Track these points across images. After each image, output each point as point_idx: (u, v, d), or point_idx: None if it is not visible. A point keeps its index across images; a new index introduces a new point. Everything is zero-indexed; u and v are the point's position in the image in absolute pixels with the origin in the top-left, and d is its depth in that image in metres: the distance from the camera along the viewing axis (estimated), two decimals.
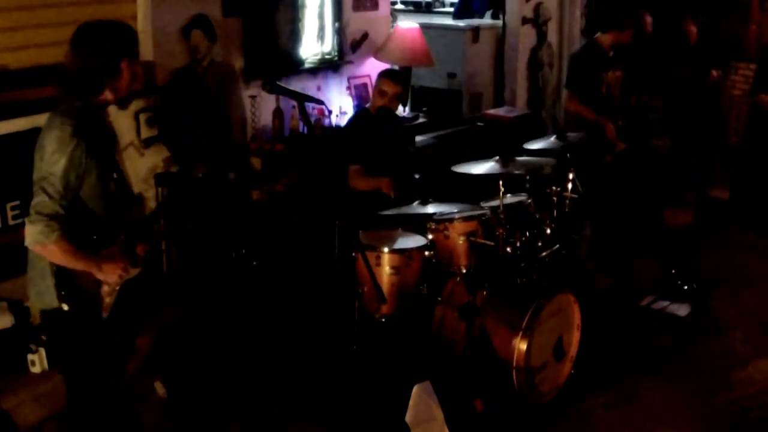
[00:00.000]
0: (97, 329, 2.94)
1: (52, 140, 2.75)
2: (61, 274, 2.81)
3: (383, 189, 4.58)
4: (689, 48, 6.38)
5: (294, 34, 5.63)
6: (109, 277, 2.90)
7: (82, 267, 2.82)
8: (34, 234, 2.72)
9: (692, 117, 6.37)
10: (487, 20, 7.93)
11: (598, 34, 5.82)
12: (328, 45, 6.13)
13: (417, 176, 5.17)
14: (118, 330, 3.06)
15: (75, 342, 2.97)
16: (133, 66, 2.90)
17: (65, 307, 2.82)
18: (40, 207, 2.72)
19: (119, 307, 3.00)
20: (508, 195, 4.17)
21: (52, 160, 2.73)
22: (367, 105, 4.94)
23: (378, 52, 6.33)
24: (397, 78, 4.81)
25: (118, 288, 2.98)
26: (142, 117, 4.80)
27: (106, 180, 2.91)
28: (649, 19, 6.49)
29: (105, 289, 2.94)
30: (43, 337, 4.04)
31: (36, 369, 4.01)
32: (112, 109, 4.48)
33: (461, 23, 7.60)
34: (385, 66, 6.21)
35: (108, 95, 2.88)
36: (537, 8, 7.83)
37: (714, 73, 6.50)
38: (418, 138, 6.46)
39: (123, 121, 4.66)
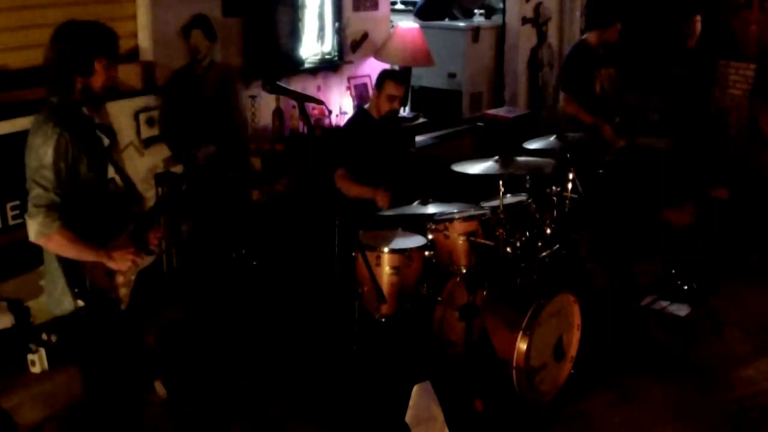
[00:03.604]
0: (117, 323, 2.96)
1: (38, 136, 2.81)
2: (70, 272, 2.82)
3: (377, 202, 4.52)
4: (687, 47, 6.33)
5: (294, 34, 5.63)
6: (122, 264, 2.91)
7: (90, 257, 2.83)
8: (35, 227, 2.75)
9: (691, 117, 6.38)
10: (487, 20, 7.94)
11: (586, 34, 5.87)
12: (328, 45, 6.13)
13: (416, 177, 5.18)
14: (135, 323, 3.07)
15: (96, 340, 2.99)
16: (109, 68, 2.91)
17: (81, 303, 2.83)
18: (37, 199, 2.76)
19: (136, 298, 3.01)
20: (508, 195, 4.17)
21: (40, 153, 2.78)
22: (366, 106, 4.92)
23: (378, 52, 6.34)
24: (401, 79, 4.81)
25: (133, 278, 2.98)
26: (142, 117, 4.80)
27: (99, 172, 2.92)
28: (698, 20, 6.35)
29: (120, 279, 2.94)
30: (44, 337, 4.05)
31: (36, 369, 4.01)
32: (112, 109, 4.51)
33: (461, 23, 7.61)
34: (384, 66, 6.22)
35: (80, 93, 2.89)
36: (537, 8, 7.84)
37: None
38: (418, 138, 6.47)
39: (123, 121, 4.66)
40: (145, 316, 3.29)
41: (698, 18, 6.27)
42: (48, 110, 2.86)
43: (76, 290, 2.83)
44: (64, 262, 2.84)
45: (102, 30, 2.94)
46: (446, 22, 7.67)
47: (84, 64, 2.85)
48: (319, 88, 6.00)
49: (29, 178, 2.80)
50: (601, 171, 5.35)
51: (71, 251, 2.81)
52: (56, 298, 2.91)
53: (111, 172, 3.14)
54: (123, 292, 2.97)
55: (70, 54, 2.83)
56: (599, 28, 5.75)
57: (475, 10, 8.03)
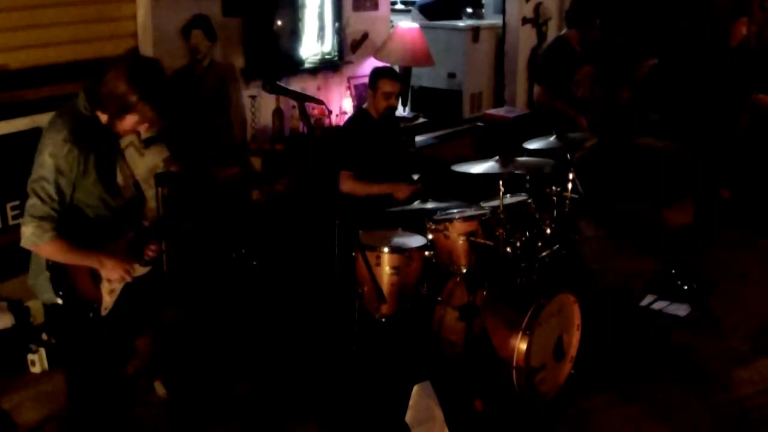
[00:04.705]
0: (97, 326, 2.96)
1: (48, 143, 2.80)
2: (54, 269, 2.83)
3: (397, 195, 4.55)
4: (729, 50, 6.27)
5: (294, 34, 5.63)
6: (112, 274, 2.91)
7: (82, 263, 2.84)
8: (26, 235, 2.77)
9: (690, 117, 6.36)
10: (487, 20, 7.95)
11: (565, 30, 5.88)
12: (328, 45, 6.13)
13: (416, 176, 5.18)
14: (119, 328, 3.07)
15: (75, 337, 2.99)
16: (138, 122, 2.92)
17: (59, 301, 2.84)
18: (33, 209, 2.76)
19: (122, 306, 3.01)
20: (508, 195, 4.17)
21: (45, 163, 2.77)
22: (364, 106, 4.92)
23: (378, 52, 6.34)
24: (396, 76, 4.81)
25: (120, 288, 2.98)
26: None
27: (106, 182, 2.92)
28: (744, 23, 6.27)
29: (105, 286, 2.94)
30: (45, 337, 4.05)
31: (36, 369, 4.02)
32: None
33: (461, 23, 7.61)
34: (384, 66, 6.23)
35: (105, 119, 2.91)
36: (537, 8, 7.84)
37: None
38: (418, 138, 6.47)
39: None
40: (132, 326, 3.27)
41: (744, 20, 6.21)
42: (68, 114, 2.86)
43: (57, 287, 2.84)
44: (51, 263, 2.85)
45: (158, 91, 2.93)
46: (446, 22, 7.68)
47: (120, 106, 2.85)
48: (319, 88, 6.00)
49: (29, 184, 2.79)
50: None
51: (63, 259, 2.81)
52: (41, 286, 2.92)
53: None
54: (107, 299, 2.96)
55: (118, 91, 2.83)
56: (578, 28, 5.78)
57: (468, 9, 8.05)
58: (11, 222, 4.13)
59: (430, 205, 4.16)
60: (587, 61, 5.89)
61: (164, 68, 3.05)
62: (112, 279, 2.93)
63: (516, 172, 4.15)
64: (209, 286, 4.57)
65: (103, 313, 2.96)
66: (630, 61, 6.54)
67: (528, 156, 4.53)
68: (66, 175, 2.77)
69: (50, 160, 2.75)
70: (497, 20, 7.91)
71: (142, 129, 2.99)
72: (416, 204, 4.27)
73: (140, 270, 3.06)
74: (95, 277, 2.91)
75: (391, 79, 4.71)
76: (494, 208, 4.04)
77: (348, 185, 4.63)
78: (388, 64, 6.16)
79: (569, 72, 5.82)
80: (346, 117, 5.76)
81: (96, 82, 2.88)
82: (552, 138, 4.69)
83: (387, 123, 4.83)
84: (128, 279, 2.96)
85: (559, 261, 4.27)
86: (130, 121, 2.89)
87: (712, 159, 6.17)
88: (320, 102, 4.48)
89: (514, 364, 3.64)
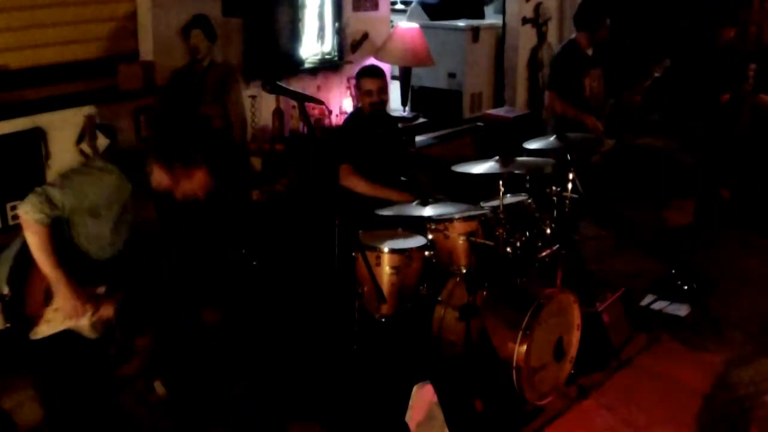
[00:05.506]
0: (23, 342, 2.96)
1: (100, 160, 2.90)
2: (19, 262, 2.82)
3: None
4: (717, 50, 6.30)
5: (294, 34, 5.64)
6: (62, 302, 2.89)
7: (47, 270, 2.83)
8: (25, 204, 2.81)
9: (690, 116, 6.37)
10: (487, 20, 7.95)
11: (575, 34, 5.88)
12: (328, 45, 6.13)
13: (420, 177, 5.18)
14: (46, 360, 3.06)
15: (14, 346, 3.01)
16: (164, 179, 3.00)
17: (6, 291, 2.84)
18: (47, 188, 2.82)
19: (57, 344, 2.99)
20: (508, 195, 4.17)
21: (90, 186, 2.85)
22: (359, 104, 4.93)
23: (378, 52, 6.34)
24: (375, 73, 4.75)
25: (62, 326, 2.96)
26: (142, 117, 4.79)
27: (116, 228, 2.93)
28: (731, 31, 6.34)
29: (48, 313, 2.91)
30: None
31: None
32: (112, 109, 4.50)
33: (461, 23, 7.61)
34: (385, 66, 6.23)
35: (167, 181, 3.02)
36: (537, 8, 7.84)
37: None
38: (418, 138, 6.47)
39: (122, 121, 4.66)
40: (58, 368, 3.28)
41: (732, 30, 6.26)
42: (123, 157, 2.97)
43: (10, 279, 2.84)
44: (21, 256, 2.85)
45: (188, 145, 3.06)
46: (446, 21, 7.68)
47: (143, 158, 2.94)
48: (319, 88, 6.00)
49: (58, 174, 2.85)
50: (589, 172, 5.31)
51: (37, 249, 2.81)
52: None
53: None
54: (42, 327, 2.94)
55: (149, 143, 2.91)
56: (587, 31, 5.77)
57: None
58: (11, 222, 4.12)
59: (429, 207, 4.16)
60: (598, 64, 5.88)
61: (184, 115, 3.17)
62: (58, 308, 2.91)
63: (516, 172, 4.15)
64: (209, 286, 4.57)
65: (31, 336, 2.94)
66: (638, 63, 6.54)
67: (528, 156, 4.52)
68: (90, 188, 2.84)
69: (91, 171, 2.88)
70: (497, 20, 7.91)
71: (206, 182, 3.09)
72: (416, 205, 4.26)
73: (86, 326, 3.03)
74: (47, 299, 2.89)
75: (369, 76, 4.68)
76: (494, 208, 4.04)
77: (348, 180, 4.62)
78: (388, 65, 6.18)
79: (580, 76, 5.80)
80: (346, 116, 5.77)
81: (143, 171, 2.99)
82: (552, 138, 4.70)
83: (381, 121, 4.82)
84: (73, 320, 2.95)
85: (559, 261, 4.26)
86: (156, 172, 3.01)
87: (712, 159, 6.16)
88: (320, 102, 4.47)
89: (514, 364, 3.64)
